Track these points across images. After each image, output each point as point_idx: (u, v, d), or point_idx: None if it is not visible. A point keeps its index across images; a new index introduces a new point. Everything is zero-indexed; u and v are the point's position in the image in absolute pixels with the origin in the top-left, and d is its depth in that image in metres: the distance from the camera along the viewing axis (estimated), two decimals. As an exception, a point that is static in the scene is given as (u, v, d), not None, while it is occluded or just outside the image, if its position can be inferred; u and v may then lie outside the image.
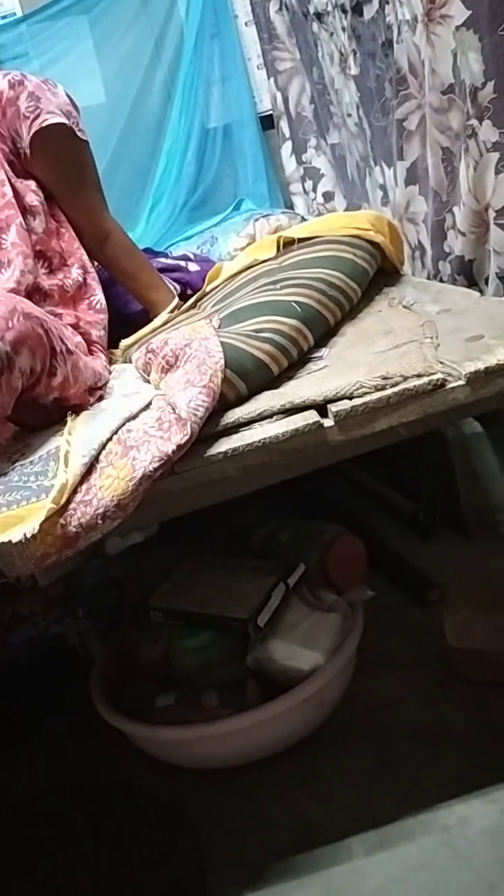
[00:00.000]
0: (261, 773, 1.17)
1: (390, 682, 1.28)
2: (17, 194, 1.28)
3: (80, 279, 1.31)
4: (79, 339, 1.17)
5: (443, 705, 1.20)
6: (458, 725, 1.16)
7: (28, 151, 1.31)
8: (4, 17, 2.55)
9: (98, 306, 1.32)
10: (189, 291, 1.54)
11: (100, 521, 0.85)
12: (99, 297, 1.33)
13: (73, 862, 1.10)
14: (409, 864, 0.98)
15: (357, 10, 1.56)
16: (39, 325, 0.99)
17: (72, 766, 1.31)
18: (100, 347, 1.27)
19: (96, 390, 1.13)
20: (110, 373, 1.22)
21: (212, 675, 1.21)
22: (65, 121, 1.32)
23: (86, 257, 1.36)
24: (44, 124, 1.30)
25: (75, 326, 1.24)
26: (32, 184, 1.32)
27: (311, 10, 1.87)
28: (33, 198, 1.30)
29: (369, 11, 1.51)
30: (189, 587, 1.31)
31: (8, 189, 1.27)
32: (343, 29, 1.68)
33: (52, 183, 1.35)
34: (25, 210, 1.28)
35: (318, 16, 1.84)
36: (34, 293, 1.23)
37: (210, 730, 1.13)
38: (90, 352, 1.22)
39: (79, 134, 1.35)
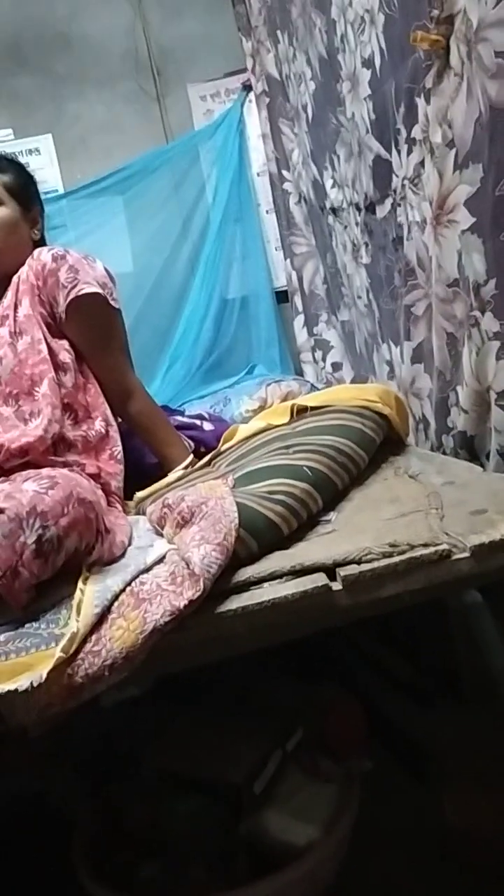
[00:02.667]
0: None
1: (388, 859, 1.21)
2: (51, 352, 1.39)
3: (103, 431, 1.38)
4: (99, 491, 1.21)
5: (441, 887, 1.14)
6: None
7: (63, 316, 1.43)
8: (47, 193, 2.80)
9: (118, 457, 1.38)
10: (203, 449, 1.61)
11: (107, 673, 0.86)
12: (119, 448, 1.39)
13: None
14: None
15: (371, 209, 1.74)
16: (91, 510, 1.05)
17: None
18: (117, 499, 1.32)
19: None
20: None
21: (201, 843, 1.16)
22: (99, 291, 1.44)
23: (108, 411, 1.44)
24: (80, 293, 1.42)
25: (96, 476, 1.29)
26: (65, 343, 1.43)
27: (328, 205, 2.07)
28: (65, 356, 1.41)
29: (382, 211, 1.68)
30: (183, 746, 1.27)
31: (44, 347, 1.37)
32: (357, 224, 1.85)
33: (82, 344, 1.46)
34: (58, 366, 1.39)
35: (334, 210, 2.04)
36: (59, 442, 1.30)
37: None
38: (108, 503, 1.27)
39: (112, 303, 1.47)
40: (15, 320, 1.42)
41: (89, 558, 1.05)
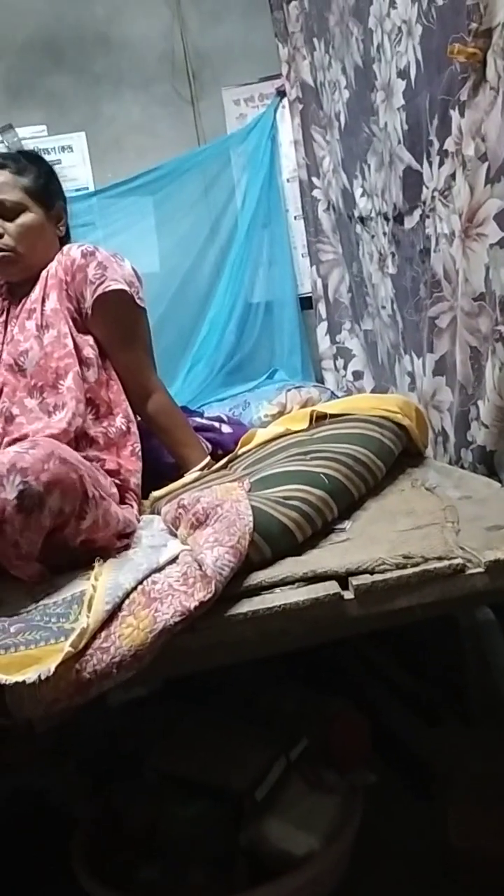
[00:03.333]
0: None
1: (389, 874, 1.20)
2: (76, 346, 1.40)
3: (124, 428, 1.40)
4: (114, 490, 1.22)
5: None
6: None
7: (90, 311, 1.44)
8: (78, 191, 2.82)
9: (138, 454, 1.40)
10: (220, 451, 1.61)
11: (115, 671, 0.85)
12: (139, 446, 1.41)
13: None
14: None
15: (399, 219, 1.73)
16: (74, 471, 1.05)
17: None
18: (134, 496, 1.33)
19: (124, 536, 1.17)
20: (139, 521, 1.26)
21: (201, 847, 1.15)
22: (126, 288, 1.45)
23: (129, 408, 1.45)
24: (107, 290, 1.43)
25: (116, 472, 1.30)
26: (90, 339, 1.44)
27: (356, 214, 2.07)
28: (90, 351, 1.42)
29: (410, 222, 1.68)
30: (187, 748, 1.27)
31: (69, 341, 1.39)
32: (384, 234, 1.85)
33: (106, 340, 1.47)
34: (82, 361, 1.40)
35: (362, 219, 2.03)
36: (81, 438, 1.32)
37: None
38: (123, 500, 1.27)
39: (137, 301, 1.48)
40: (42, 314, 1.43)
41: (83, 523, 1.05)
